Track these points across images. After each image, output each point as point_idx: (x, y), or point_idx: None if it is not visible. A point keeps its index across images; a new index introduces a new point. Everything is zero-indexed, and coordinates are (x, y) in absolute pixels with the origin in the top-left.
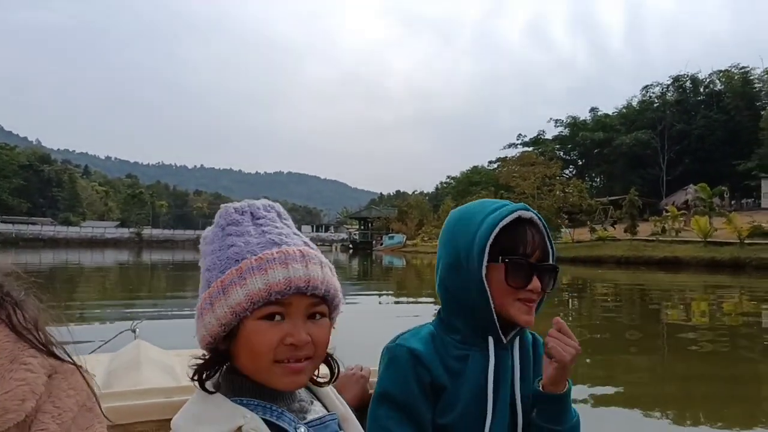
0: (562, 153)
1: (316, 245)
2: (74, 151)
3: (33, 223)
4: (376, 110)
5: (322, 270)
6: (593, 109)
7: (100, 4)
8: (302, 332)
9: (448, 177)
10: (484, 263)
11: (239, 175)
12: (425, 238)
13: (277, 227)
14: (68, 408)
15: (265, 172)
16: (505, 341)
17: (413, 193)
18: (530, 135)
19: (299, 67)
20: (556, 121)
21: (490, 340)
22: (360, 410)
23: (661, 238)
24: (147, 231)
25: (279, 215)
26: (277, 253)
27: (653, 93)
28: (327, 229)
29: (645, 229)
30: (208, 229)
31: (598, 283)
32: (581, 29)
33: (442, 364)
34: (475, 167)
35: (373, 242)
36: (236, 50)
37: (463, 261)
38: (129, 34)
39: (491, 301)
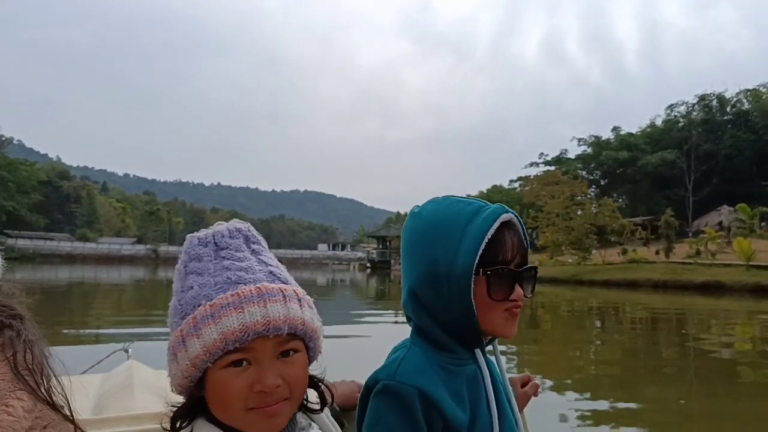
0: (584, 172)
1: (334, 264)
2: (93, 167)
3: (51, 239)
4: (391, 128)
5: (286, 306)
6: (615, 128)
7: (118, 23)
8: (270, 377)
9: (467, 196)
10: (473, 279)
11: (256, 193)
12: None
13: (239, 258)
14: None
15: (282, 190)
16: (487, 348)
17: None
18: (552, 154)
19: (314, 85)
20: (579, 140)
21: (478, 352)
22: (348, 410)
23: (699, 261)
24: (163, 248)
25: (247, 240)
26: (231, 296)
27: (678, 112)
28: (344, 248)
29: (678, 251)
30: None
31: (635, 308)
32: (597, 47)
33: (452, 397)
34: (495, 186)
35: (392, 261)
36: (252, 69)
37: (443, 274)
38: (146, 53)
39: (476, 317)
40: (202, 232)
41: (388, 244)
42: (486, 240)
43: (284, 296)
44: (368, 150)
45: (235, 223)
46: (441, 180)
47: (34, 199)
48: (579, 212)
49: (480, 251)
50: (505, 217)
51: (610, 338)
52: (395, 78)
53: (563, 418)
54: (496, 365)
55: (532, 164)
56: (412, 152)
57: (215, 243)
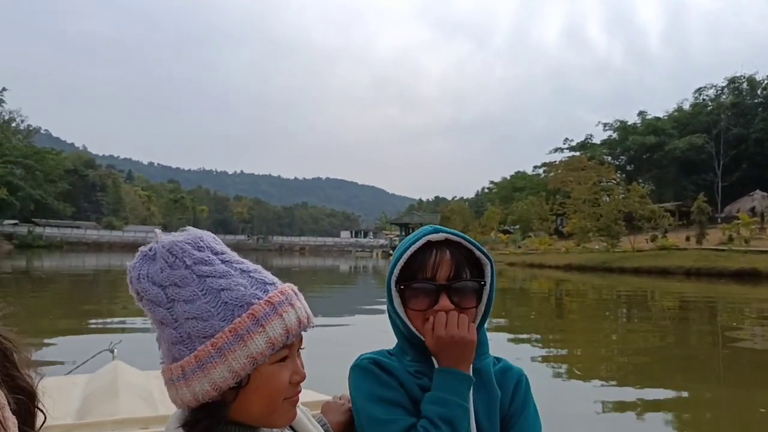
0: (610, 158)
1: (357, 251)
2: (119, 156)
3: (77, 227)
4: (410, 115)
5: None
6: (642, 113)
7: (140, 13)
8: (300, 367)
9: (491, 182)
10: (394, 295)
11: (278, 181)
12: None
13: (243, 262)
14: None
15: (304, 178)
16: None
17: (453, 198)
18: (575, 139)
19: (334, 72)
20: (605, 124)
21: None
22: None
23: (734, 248)
24: (187, 228)
25: (223, 245)
26: (280, 293)
27: (707, 95)
28: (366, 235)
29: (709, 237)
30: (143, 265)
31: (668, 296)
32: (618, 30)
33: (411, 378)
34: (518, 172)
35: None
36: (272, 57)
37: (387, 290)
38: (168, 43)
39: (411, 326)
40: (185, 237)
41: (410, 231)
42: (406, 257)
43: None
44: (388, 137)
45: (202, 231)
46: (462, 166)
47: (61, 188)
48: (606, 198)
49: (398, 267)
50: (434, 237)
51: (642, 327)
52: (414, 64)
53: (589, 407)
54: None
55: (556, 150)
56: (432, 139)
57: (209, 248)
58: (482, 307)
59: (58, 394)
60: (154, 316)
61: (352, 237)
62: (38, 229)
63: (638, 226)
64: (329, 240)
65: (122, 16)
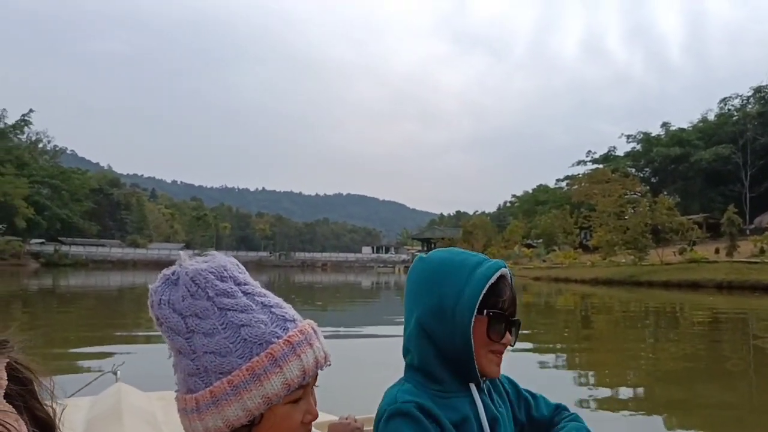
0: (634, 170)
1: (378, 266)
2: (142, 175)
3: (102, 245)
4: (429, 130)
5: (321, 340)
6: (665, 124)
7: (160, 35)
8: (314, 407)
9: (513, 196)
10: (474, 315)
11: (299, 197)
12: None
13: (266, 296)
14: None
15: (325, 194)
16: (482, 385)
17: (474, 213)
18: (598, 151)
19: (353, 87)
20: (628, 136)
21: (473, 386)
22: None
23: (767, 260)
24: (211, 252)
25: (247, 274)
26: (300, 333)
27: (732, 105)
28: (387, 251)
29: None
30: (165, 290)
31: (699, 311)
32: (638, 41)
33: (445, 416)
34: (540, 186)
35: None
36: (291, 74)
37: (448, 309)
38: (186, 61)
39: (474, 353)
40: (209, 267)
41: (432, 246)
42: (488, 285)
43: (315, 330)
44: (408, 152)
45: (228, 257)
46: (482, 180)
47: (87, 207)
48: (632, 211)
49: (483, 292)
50: (503, 271)
51: (673, 346)
52: (432, 79)
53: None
54: (495, 402)
55: (579, 162)
56: (451, 153)
57: (231, 278)
58: None
59: (60, 417)
60: (173, 344)
61: (373, 252)
62: (64, 248)
63: (665, 239)
64: (351, 256)
65: (143, 36)
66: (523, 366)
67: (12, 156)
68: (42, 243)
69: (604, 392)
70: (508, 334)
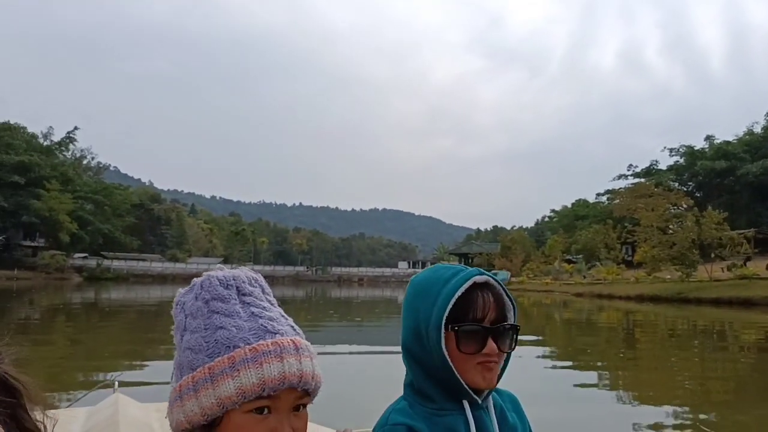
0: (677, 184)
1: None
2: (182, 191)
3: (143, 260)
4: (464, 145)
5: (312, 363)
6: (709, 137)
7: (198, 53)
8: (287, 428)
9: (552, 211)
10: (443, 335)
11: (336, 213)
12: (530, 275)
13: (265, 308)
14: None
15: (361, 209)
16: (480, 401)
17: (512, 228)
18: (640, 165)
19: (388, 103)
20: (671, 150)
21: (465, 404)
22: None
23: None
24: (249, 267)
25: (263, 290)
26: (272, 344)
27: None
28: (424, 265)
29: None
30: (185, 294)
31: (754, 330)
32: (678, 54)
33: None
34: (579, 200)
35: None
36: (327, 90)
37: (423, 330)
38: (225, 79)
39: (454, 369)
40: (221, 274)
41: (470, 261)
42: (455, 298)
43: (311, 353)
44: (443, 167)
45: (249, 271)
46: (519, 195)
47: (128, 222)
48: (675, 226)
49: (448, 308)
50: (479, 279)
51: (725, 362)
52: (467, 94)
53: None
54: (492, 419)
55: (620, 176)
56: (487, 168)
57: (237, 288)
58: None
59: (58, 429)
60: (175, 340)
61: (409, 267)
62: (106, 262)
63: (712, 255)
64: (387, 270)
65: (181, 54)
66: (561, 384)
67: (57, 172)
68: (85, 257)
69: (646, 414)
70: (492, 342)
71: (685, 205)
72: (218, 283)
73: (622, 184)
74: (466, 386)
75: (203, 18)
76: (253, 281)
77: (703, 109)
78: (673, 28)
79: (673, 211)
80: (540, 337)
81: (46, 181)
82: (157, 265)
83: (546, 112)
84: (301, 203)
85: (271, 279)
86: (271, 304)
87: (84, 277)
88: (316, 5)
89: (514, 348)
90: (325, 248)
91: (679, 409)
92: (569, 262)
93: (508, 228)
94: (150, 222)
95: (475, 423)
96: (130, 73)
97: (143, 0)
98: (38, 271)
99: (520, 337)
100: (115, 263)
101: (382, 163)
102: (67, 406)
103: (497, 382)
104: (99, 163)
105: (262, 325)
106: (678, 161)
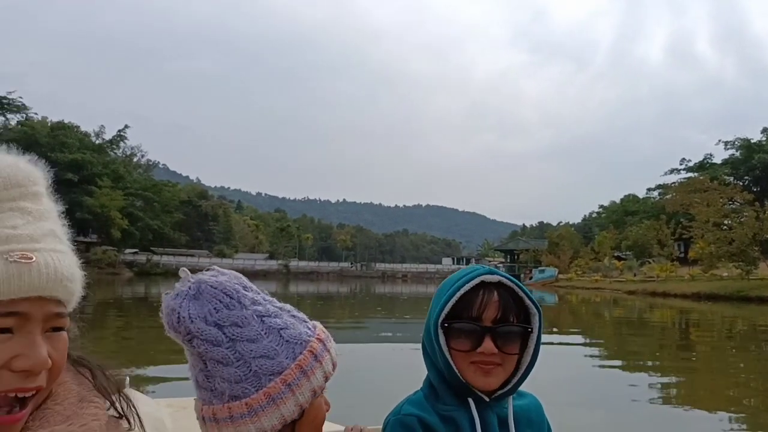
0: (732, 178)
1: None
2: (229, 188)
3: (191, 255)
4: (508, 140)
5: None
6: (766, 129)
7: (244, 52)
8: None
9: (600, 206)
10: (440, 332)
11: (379, 209)
12: (579, 272)
13: (272, 301)
14: None
15: (404, 205)
16: (488, 400)
17: (558, 224)
18: (691, 159)
19: (431, 100)
20: (726, 143)
21: (471, 402)
22: None
23: None
24: (294, 263)
25: (252, 290)
26: (322, 332)
27: None
28: (468, 262)
29: None
30: (211, 308)
31: None
32: (729, 45)
33: (445, 430)
34: (628, 195)
35: (521, 276)
36: (370, 87)
37: (431, 328)
38: (270, 78)
39: (454, 366)
40: (223, 280)
41: (516, 257)
42: (456, 296)
43: (327, 336)
44: (487, 163)
45: (238, 277)
46: (565, 191)
47: (177, 218)
48: (736, 221)
49: (448, 306)
50: (488, 278)
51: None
52: (511, 89)
53: None
54: (509, 422)
55: (672, 171)
56: (531, 163)
57: (239, 301)
58: (527, 357)
59: None
60: (210, 355)
61: (453, 264)
62: (156, 258)
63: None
64: (431, 267)
65: (227, 54)
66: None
67: (109, 170)
68: (135, 253)
69: (699, 420)
70: (490, 341)
71: (742, 200)
72: (240, 287)
73: (674, 178)
74: (467, 385)
75: (248, 18)
76: (246, 289)
77: (756, 101)
78: (725, 18)
79: (730, 206)
80: (585, 336)
81: (98, 179)
82: (204, 261)
83: (591, 106)
84: (344, 199)
85: (315, 275)
86: (268, 302)
87: (134, 272)
88: (360, 3)
89: (525, 350)
90: (368, 244)
91: (734, 415)
92: (619, 258)
93: (554, 224)
94: (198, 218)
95: (480, 422)
96: (179, 73)
97: (189, 2)
98: (91, 266)
99: (572, 337)
100: (164, 259)
101: (425, 159)
102: None
103: (518, 386)
104: (148, 160)
105: (300, 317)
106: (733, 154)
